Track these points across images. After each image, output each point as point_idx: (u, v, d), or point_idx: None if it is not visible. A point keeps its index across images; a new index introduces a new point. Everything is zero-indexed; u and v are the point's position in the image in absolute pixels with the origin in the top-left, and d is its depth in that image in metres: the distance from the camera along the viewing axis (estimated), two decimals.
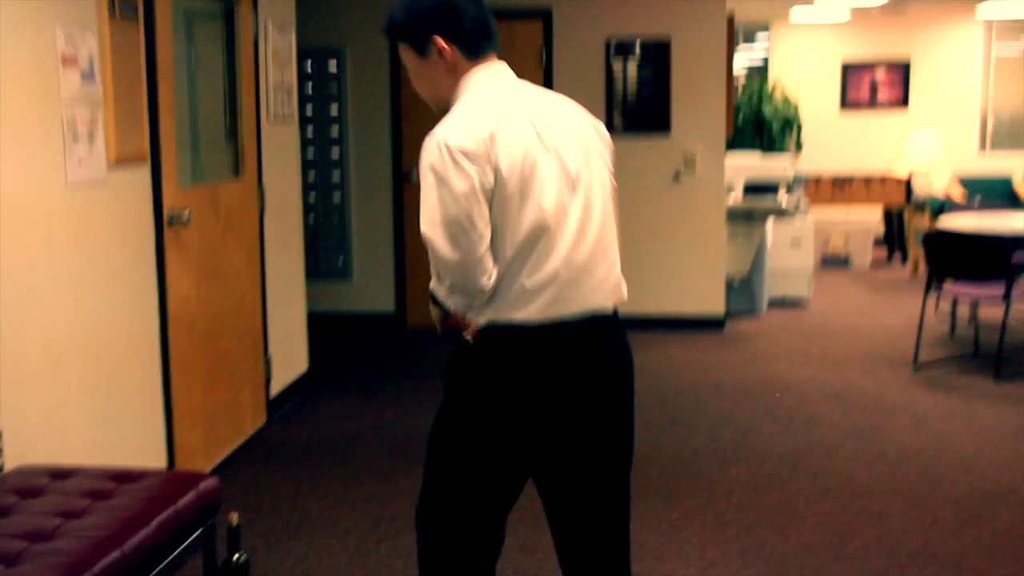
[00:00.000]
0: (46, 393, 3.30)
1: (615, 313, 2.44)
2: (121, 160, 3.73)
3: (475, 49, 2.38)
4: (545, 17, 7.36)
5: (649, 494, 4.22)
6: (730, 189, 7.93)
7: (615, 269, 2.43)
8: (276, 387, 5.39)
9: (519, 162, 2.24)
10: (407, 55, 2.42)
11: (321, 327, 6.49)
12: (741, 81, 11.15)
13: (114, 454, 3.68)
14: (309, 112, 7.59)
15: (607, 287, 2.39)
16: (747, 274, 7.92)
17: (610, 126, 7.34)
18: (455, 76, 2.38)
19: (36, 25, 3.22)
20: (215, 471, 4.50)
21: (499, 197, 2.24)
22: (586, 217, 2.34)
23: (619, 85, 7.38)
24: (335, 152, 7.71)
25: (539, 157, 2.28)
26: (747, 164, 8.38)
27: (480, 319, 2.32)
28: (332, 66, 7.58)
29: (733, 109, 8.38)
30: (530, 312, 2.28)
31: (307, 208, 7.55)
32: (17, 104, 3.13)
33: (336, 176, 7.71)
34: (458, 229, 2.22)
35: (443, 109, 2.40)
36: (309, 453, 4.84)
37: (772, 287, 8.24)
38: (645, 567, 3.55)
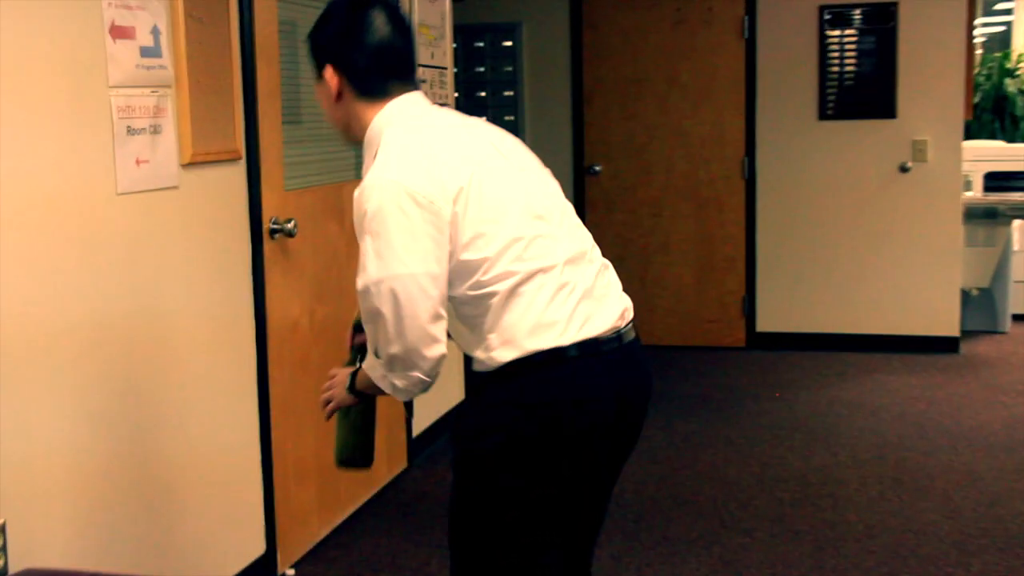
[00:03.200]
0: None
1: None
2: (200, 160, 3.01)
3: (372, 89, 2.07)
4: None
5: None
6: (968, 183, 6.75)
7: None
8: (422, 424, 4.62)
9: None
10: (317, 78, 2.14)
11: None
12: (978, 54, 9.73)
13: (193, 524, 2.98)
14: (483, 95, 6.87)
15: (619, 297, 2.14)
16: (987, 285, 6.75)
17: (824, 110, 6.31)
18: (351, 111, 2.09)
19: None
20: (334, 533, 3.78)
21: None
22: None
23: (835, 61, 6.31)
24: None
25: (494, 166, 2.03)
26: (989, 152, 7.22)
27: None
28: (506, 45, 6.82)
29: (972, 86, 7.15)
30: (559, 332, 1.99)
31: None
32: (44, 89, 2.43)
33: None
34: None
35: (352, 142, 2.18)
36: None
37: (1018, 301, 7.00)
38: None
